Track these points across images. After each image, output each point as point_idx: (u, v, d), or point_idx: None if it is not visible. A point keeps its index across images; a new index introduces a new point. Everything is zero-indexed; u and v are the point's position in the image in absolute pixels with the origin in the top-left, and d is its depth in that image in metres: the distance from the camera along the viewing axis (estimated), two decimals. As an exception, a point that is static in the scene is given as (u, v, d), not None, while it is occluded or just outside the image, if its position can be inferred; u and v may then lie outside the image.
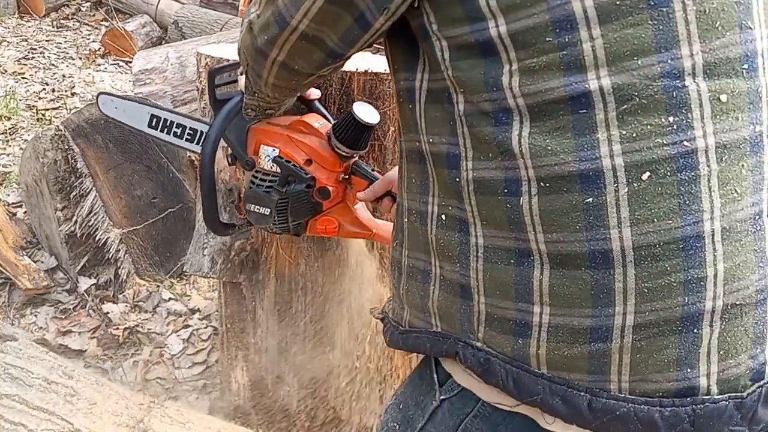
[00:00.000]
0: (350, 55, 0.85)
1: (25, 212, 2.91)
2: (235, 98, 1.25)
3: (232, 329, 1.77)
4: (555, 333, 0.71)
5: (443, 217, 0.78)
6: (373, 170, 1.25)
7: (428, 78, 0.77)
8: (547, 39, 0.67)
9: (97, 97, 1.58)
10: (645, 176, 0.67)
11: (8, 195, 3.10)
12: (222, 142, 1.29)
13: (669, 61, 0.66)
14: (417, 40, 0.77)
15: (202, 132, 1.45)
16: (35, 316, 2.51)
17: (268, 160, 1.24)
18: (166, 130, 1.48)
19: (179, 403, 2.09)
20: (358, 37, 0.79)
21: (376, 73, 1.45)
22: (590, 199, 0.68)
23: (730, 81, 0.68)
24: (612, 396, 0.70)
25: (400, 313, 0.88)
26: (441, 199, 0.79)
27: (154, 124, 1.49)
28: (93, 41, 5.67)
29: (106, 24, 5.90)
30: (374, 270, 1.64)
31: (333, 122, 1.25)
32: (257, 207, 1.26)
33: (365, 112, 1.19)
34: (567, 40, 0.66)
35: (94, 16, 6.23)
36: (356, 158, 1.26)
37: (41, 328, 2.46)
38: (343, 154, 1.22)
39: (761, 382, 0.71)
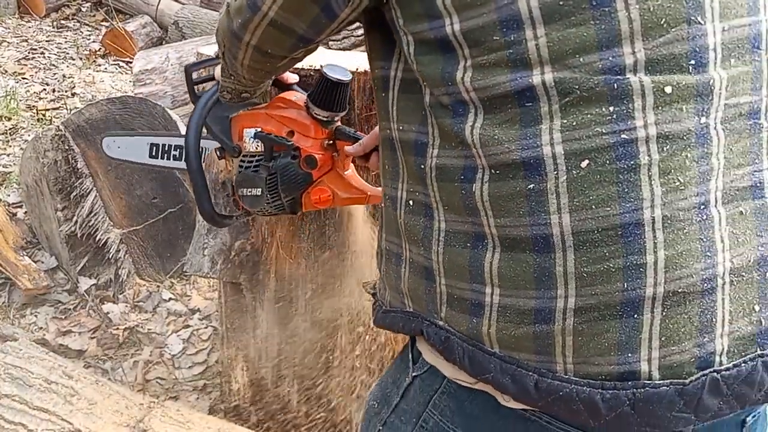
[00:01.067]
0: (321, 40, 0.89)
1: (25, 212, 2.91)
2: (212, 89, 1.25)
3: (232, 329, 1.77)
4: (504, 313, 0.74)
5: (410, 202, 0.82)
6: (356, 132, 1.25)
7: (402, 68, 0.80)
8: (495, 38, 0.70)
9: (102, 141, 1.61)
10: (584, 164, 0.69)
11: (8, 195, 3.10)
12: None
13: (610, 58, 0.68)
14: (392, 31, 0.80)
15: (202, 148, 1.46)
16: (35, 316, 2.52)
17: (252, 141, 1.24)
18: (166, 156, 1.51)
19: (179, 403, 2.09)
20: (325, 25, 0.84)
21: (376, 73, 1.45)
22: (532, 186, 0.70)
23: (674, 76, 0.69)
24: (557, 377, 0.72)
25: (383, 294, 0.92)
26: (409, 185, 0.82)
27: (154, 153, 1.52)
28: (93, 41, 5.68)
29: (107, 24, 5.90)
30: (375, 269, 1.64)
31: (308, 92, 1.25)
32: (249, 189, 1.25)
33: (336, 71, 1.19)
34: (513, 38, 0.69)
35: (94, 16, 6.23)
36: (338, 122, 1.26)
37: (41, 328, 2.46)
38: (323, 118, 1.22)
39: (707, 371, 0.71)
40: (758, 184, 0.73)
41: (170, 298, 2.61)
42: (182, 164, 1.51)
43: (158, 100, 3.39)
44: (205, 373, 2.30)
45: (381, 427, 0.90)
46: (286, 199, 1.25)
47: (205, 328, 2.48)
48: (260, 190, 1.23)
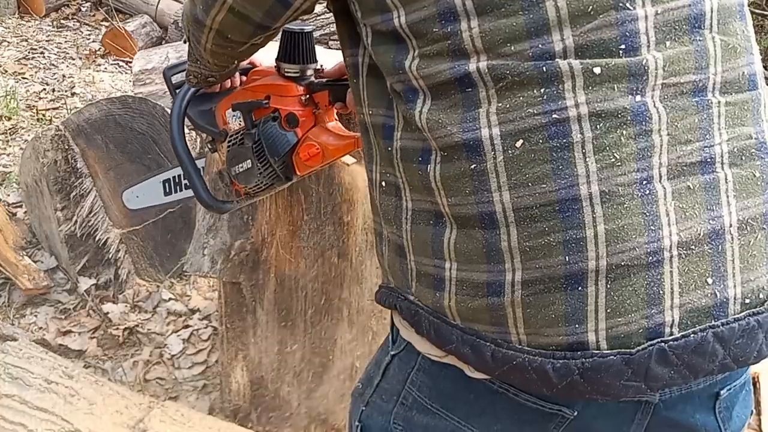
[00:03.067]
0: (279, 27, 0.93)
1: (25, 212, 2.91)
2: None
3: (232, 329, 1.77)
4: (461, 287, 0.77)
5: (383, 183, 0.86)
6: (329, 81, 1.25)
7: (369, 54, 0.84)
8: (435, 29, 0.73)
9: (122, 196, 1.64)
10: (518, 144, 0.72)
11: (8, 195, 3.10)
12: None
13: (540, 45, 0.71)
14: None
15: (203, 168, 1.47)
16: (35, 316, 2.52)
17: (233, 117, 1.26)
18: (179, 187, 1.53)
19: (179, 403, 2.09)
20: (281, 13, 0.88)
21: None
22: (474, 166, 0.73)
23: (603, 60, 0.71)
24: (511, 347, 0.74)
25: (382, 273, 0.95)
26: (381, 167, 0.86)
27: (168, 189, 1.54)
28: (93, 41, 5.67)
29: (107, 24, 5.90)
30: (375, 269, 1.64)
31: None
32: (240, 165, 1.25)
33: (296, 24, 1.20)
34: (450, 30, 0.73)
35: (94, 16, 6.23)
36: (312, 77, 1.25)
37: (41, 328, 2.46)
38: (295, 74, 1.22)
39: (655, 341, 0.72)
40: (708, 160, 0.74)
41: (170, 298, 2.61)
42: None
43: (158, 99, 3.38)
44: (205, 373, 2.29)
45: (364, 408, 0.93)
46: (276, 164, 1.23)
47: (205, 328, 2.48)
48: (249, 161, 1.23)
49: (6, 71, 4.81)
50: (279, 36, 1.19)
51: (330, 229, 1.62)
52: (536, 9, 0.70)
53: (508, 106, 0.72)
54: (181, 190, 1.52)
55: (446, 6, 0.72)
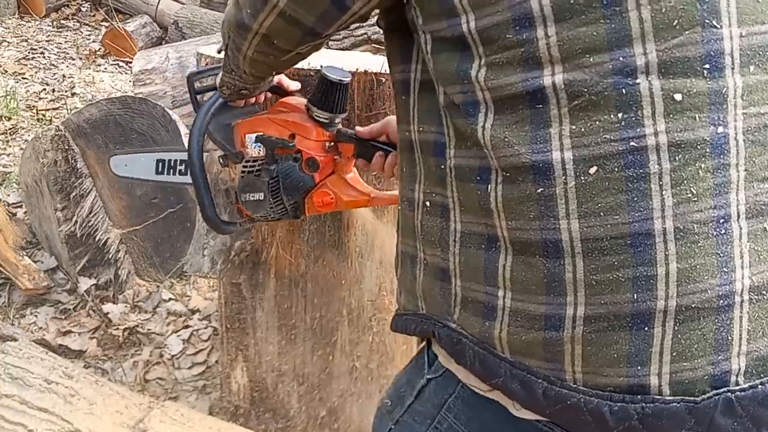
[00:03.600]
0: (329, 34, 0.89)
1: (25, 212, 2.91)
2: (214, 96, 1.26)
3: (232, 329, 1.77)
4: (515, 317, 0.73)
5: (428, 204, 0.82)
6: (356, 134, 1.24)
7: (421, 69, 0.80)
8: (508, 36, 0.69)
9: (109, 161, 1.63)
10: (592, 170, 0.68)
11: (8, 195, 3.10)
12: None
13: (621, 59, 0.67)
14: (411, 33, 0.81)
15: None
16: (35, 316, 2.52)
17: (254, 146, 1.25)
18: (172, 171, 1.52)
19: (179, 403, 2.09)
20: (335, 17, 0.83)
21: (375, 73, 1.45)
22: (542, 190, 0.69)
23: (687, 80, 0.67)
24: (566, 385, 0.71)
25: (399, 298, 0.92)
26: (426, 186, 0.82)
27: (160, 169, 1.53)
28: (93, 41, 5.68)
29: (107, 24, 5.90)
30: (375, 269, 1.64)
31: (308, 95, 1.25)
32: (252, 194, 1.25)
33: (336, 72, 1.20)
34: (525, 37, 0.68)
35: (94, 16, 6.23)
36: (339, 125, 1.25)
37: (41, 328, 2.46)
38: (324, 120, 1.22)
39: (721, 390, 0.69)
40: None
41: (170, 299, 2.61)
42: (188, 179, 1.51)
43: (158, 100, 3.38)
44: (205, 373, 2.29)
45: (393, 426, 0.90)
46: (288, 203, 1.25)
47: (205, 328, 2.48)
48: (263, 194, 1.23)
49: (6, 71, 4.81)
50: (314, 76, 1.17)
51: (330, 229, 1.62)
52: (619, 18, 0.66)
53: (583, 129, 0.68)
54: (173, 174, 1.51)
55: (522, 11, 0.68)
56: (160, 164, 1.53)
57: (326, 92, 1.20)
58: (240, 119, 1.28)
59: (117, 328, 2.46)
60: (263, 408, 1.82)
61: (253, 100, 1.31)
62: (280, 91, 1.33)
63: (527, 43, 0.68)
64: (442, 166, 0.78)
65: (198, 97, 1.32)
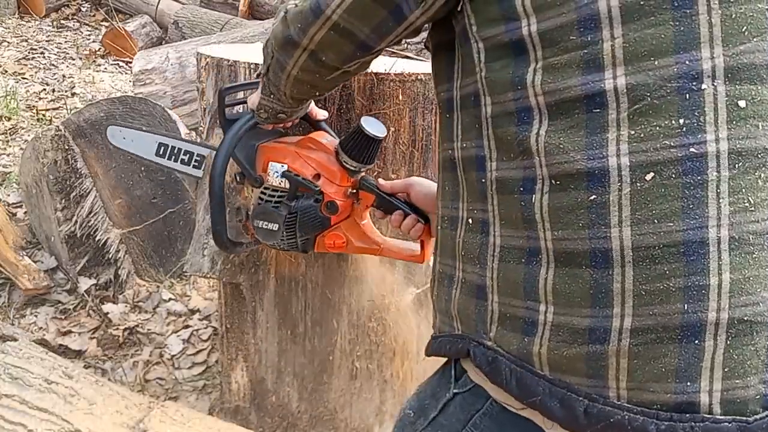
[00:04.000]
0: (380, 50, 0.87)
1: (25, 212, 2.91)
2: (245, 116, 1.25)
3: (232, 329, 1.77)
4: (556, 332, 0.71)
5: (470, 221, 0.80)
6: (378, 186, 1.26)
7: (461, 85, 0.80)
8: (572, 37, 0.68)
9: (106, 129, 1.61)
10: (648, 177, 0.66)
11: (8, 195, 3.10)
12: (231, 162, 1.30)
13: (687, 62, 0.66)
14: (456, 48, 0.80)
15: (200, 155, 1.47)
16: (35, 316, 2.51)
17: (277, 176, 1.26)
18: (173, 157, 1.51)
19: (179, 403, 2.09)
20: (391, 29, 0.82)
21: (376, 74, 1.45)
22: (594, 197, 0.68)
23: (753, 87, 0.66)
24: (609, 402, 0.69)
25: (434, 321, 0.90)
26: (469, 203, 0.81)
27: (161, 152, 1.52)
28: (93, 41, 5.68)
29: (107, 24, 5.90)
30: (375, 270, 1.64)
31: (341, 138, 1.26)
32: (265, 223, 1.27)
33: (373, 126, 1.21)
34: (589, 38, 0.67)
35: (94, 16, 6.23)
36: (364, 173, 1.27)
37: (41, 328, 2.46)
38: (351, 168, 1.24)
39: None
40: None
41: (170, 298, 2.61)
42: (188, 169, 1.51)
43: (158, 100, 3.39)
44: (205, 373, 2.29)
45: None
46: (301, 238, 1.27)
47: (205, 328, 2.48)
48: (277, 226, 1.25)
49: (6, 71, 4.81)
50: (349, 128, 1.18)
51: (330, 230, 1.62)
52: (688, 21, 0.65)
53: (642, 134, 0.66)
54: (174, 161, 1.50)
55: (589, 12, 0.67)
56: (162, 147, 1.52)
57: (360, 143, 1.21)
58: (265, 142, 1.29)
59: (117, 328, 2.46)
60: (263, 408, 1.82)
61: (281, 125, 1.30)
62: (308, 118, 1.34)
63: (591, 45, 0.67)
64: (483, 180, 0.77)
65: (226, 110, 1.32)
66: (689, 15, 0.66)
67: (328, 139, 1.29)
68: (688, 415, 0.67)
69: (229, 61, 1.51)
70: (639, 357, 0.67)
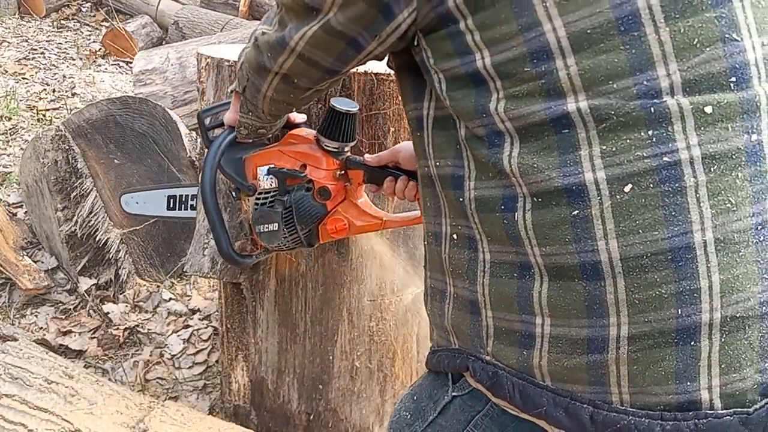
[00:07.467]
0: (346, 71, 0.90)
1: (25, 212, 2.91)
2: (225, 132, 1.27)
3: (232, 329, 1.77)
4: (555, 343, 0.72)
5: (455, 236, 0.81)
6: (365, 160, 1.26)
7: (434, 106, 0.81)
8: (526, 69, 0.69)
9: (120, 198, 1.65)
10: (627, 188, 0.67)
11: (8, 195, 3.10)
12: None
13: (645, 82, 0.67)
14: (422, 72, 0.81)
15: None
16: (35, 316, 2.52)
17: (266, 178, 1.27)
18: (183, 206, 1.54)
19: (179, 403, 2.09)
20: (352, 57, 0.85)
21: (375, 74, 1.46)
22: (577, 212, 0.69)
23: (715, 95, 0.67)
24: (613, 408, 0.70)
25: (432, 335, 0.91)
26: (451, 219, 0.82)
27: (171, 205, 1.55)
28: (93, 42, 5.68)
29: (107, 24, 5.90)
30: (375, 270, 1.64)
31: (317, 127, 1.28)
32: (265, 225, 1.28)
33: (343, 103, 1.23)
34: (544, 69, 0.68)
35: (94, 16, 6.23)
36: (348, 153, 1.28)
37: (41, 328, 2.46)
38: (334, 149, 1.25)
39: None
40: None
41: (170, 298, 2.61)
42: (197, 213, 1.53)
43: (158, 100, 3.38)
44: (205, 373, 2.30)
45: None
46: (302, 231, 1.28)
47: (205, 328, 2.48)
48: (277, 224, 1.26)
49: (6, 71, 4.81)
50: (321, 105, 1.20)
51: (330, 230, 1.62)
52: (638, 43, 0.67)
53: (614, 148, 0.67)
54: (185, 210, 1.54)
55: (538, 45, 0.68)
56: (171, 200, 1.56)
57: (335, 122, 1.22)
58: (250, 153, 1.30)
59: (117, 328, 2.46)
60: (263, 408, 1.82)
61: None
62: (288, 124, 1.35)
63: (546, 75, 0.68)
64: (461, 199, 0.78)
65: (208, 132, 1.34)
66: (637, 37, 0.67)
67: (307, 131, 1.30)
68: (690, 413, 0.68)
69: (229, 61, 1.52)
70: (638, 363, 0.69)
